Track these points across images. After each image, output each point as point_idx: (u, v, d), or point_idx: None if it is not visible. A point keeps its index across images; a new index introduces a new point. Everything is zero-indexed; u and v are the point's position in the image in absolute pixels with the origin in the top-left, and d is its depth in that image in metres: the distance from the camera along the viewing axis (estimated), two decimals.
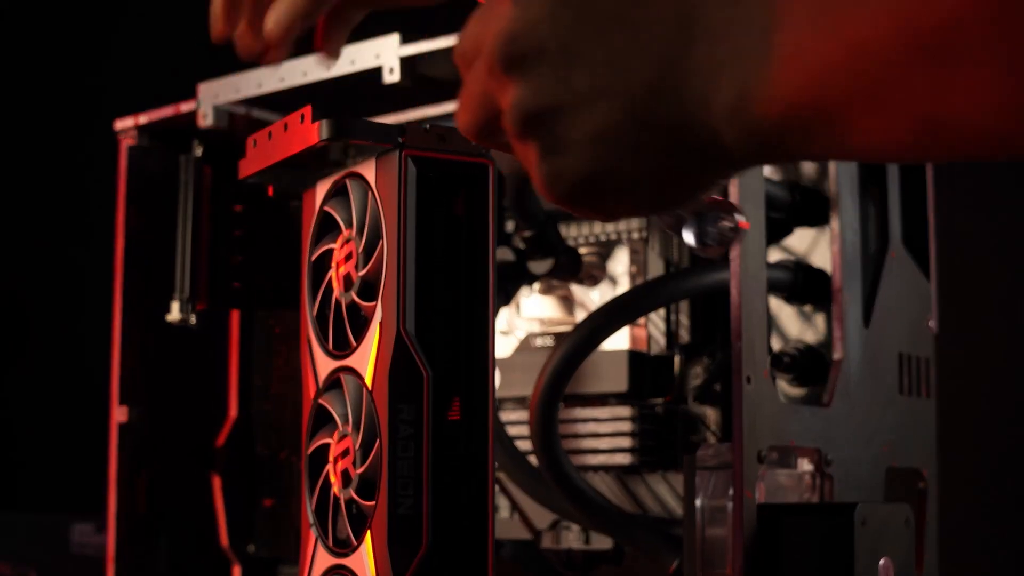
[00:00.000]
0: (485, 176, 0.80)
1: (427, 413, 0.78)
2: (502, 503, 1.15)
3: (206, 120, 1.25)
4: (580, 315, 1.12)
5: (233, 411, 1.37)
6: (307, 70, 1.17)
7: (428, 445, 0.78)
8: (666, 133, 0.52)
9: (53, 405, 2.25)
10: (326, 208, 0.85)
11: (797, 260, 1.04)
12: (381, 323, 0.78)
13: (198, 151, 1.14)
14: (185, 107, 1.26)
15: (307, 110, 0.80)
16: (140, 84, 2.05)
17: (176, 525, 1.33)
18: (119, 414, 1.28)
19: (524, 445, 1.04)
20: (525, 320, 1.14)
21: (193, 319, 1.10)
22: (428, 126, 0.80)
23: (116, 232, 1.30)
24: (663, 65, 0.52)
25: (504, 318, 1.15)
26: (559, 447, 0.96)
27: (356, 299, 0.81)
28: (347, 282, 0.82)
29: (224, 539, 1.35)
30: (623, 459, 1.05)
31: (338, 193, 0.84)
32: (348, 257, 0.82)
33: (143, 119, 1.29)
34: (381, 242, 0.79)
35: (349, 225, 0.82)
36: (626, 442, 1.05)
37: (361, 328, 0.81)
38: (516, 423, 1.10)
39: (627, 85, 0.52)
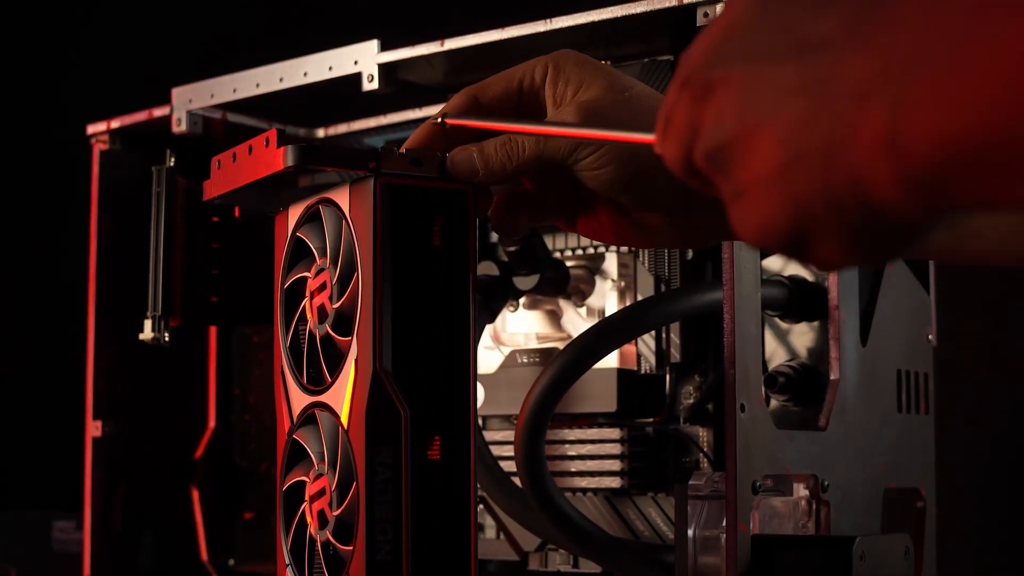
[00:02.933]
0: (464, 203, 0.76)
1: (405, 454, 0.74)
2: (488, 523, 1.11)
3: (180, 126, 1.21)
4: (568, 330, 1.09)
5: (211, 422, 1.33)
6: (283, 76, 1.13)
7: (407, 488, 0.74)
8: (820, 178, 0.45)
9: (32, 401, 2.21)
10: (299, 234, 0.81)
11: (791, 275, 1.00)
12: (357, 360, 0.75)
13: (171, 161, 1.10)
14: (158, 112, 1.22)
15: (272, 134, 0.76)
16: (114, 88, 2.01)
17: (154, 539, 1.30)
18: (93, 429, 1.25)
19: (508, 464, 1.01)
20: (510, 335, 1.10)
21: (167, 337, 1.06)
22: (404, 150, 0.76)
23: (89, 240, 1.26)
24: (813, 87, 0.45)
25: (488, 333, 1.11)
26: (546, 474, 0.92)
27: (331, 332, 0.77)
28: (321, 313, 0.78)
29: (204, 553, 1.31)
30: (612, 482, 1.01)
31: (311, 219, 0.80)
32: (322, 287, 0.78)
33: (115, 124, 1.25)
34: (356, 274, 0.75)
35: (323, 254, 0.78)
36: (615, 465, 1.01)
37: (336, 363, 0.77)
38: (501, 443, 1.07)
39: (781, 117, 0.46)
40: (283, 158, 0.75)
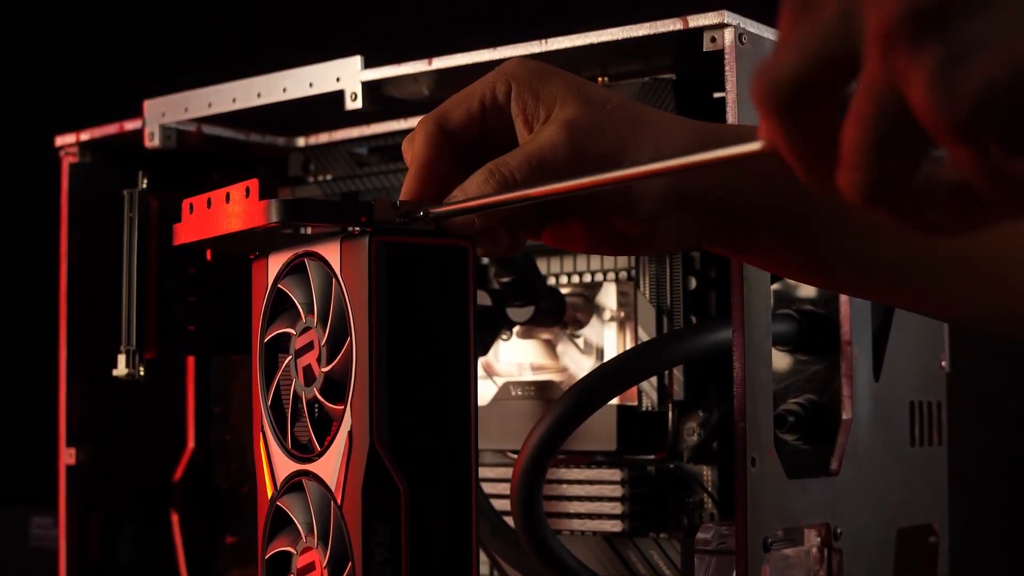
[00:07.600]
0: (464, 260, 0.71)
1: (405, 533, 0.69)
2: (481, 559, 1.06)
3: (153, 140, 1.14)
4: (564, 361, 1.04)
5: (190, 443, 1.28)
6: (261, 91, 1.08)
7: (407, 569, 0.69)
8: None
9: (8, 396, 2.16)
10: (280, 286, 0.75)
11: (800, 308, 0.95)
12: (351, 432, 0.69)
13: (143, 183, 1.04)
14: (130, 125, 1.16)
15: (253, 184, 0.70)
16: (89, 98, 1.94)
17: (133, 565, 1.25)
18: (67, 456, 1.19)
19: (501, 502, 0.96)
20: (504, 365, 1.05)
21: (141, 372, 1.01)
22: (398, 202, 0.71)
23: (60, 259, 1.20)
24: None
25: (480, 363, 1.06)
26: (544, 525, 0.87)
27: (319, 397, 0.72)
28: (308, 375, 0.73)
29: None
30: (612, 525, 0.97)
31: (295, 270, 0.74)
32: (309, 347, 0.73)
33: (85, 136, 1.19)
34: (349, 339, 0.70)
35: (309, 310, 0.73)
36: (616, 507, 0.96)
37: (325, 430, 0.72)
38: (494, 480, 1.02)
39: None
40: (266, 213, 0.69)
